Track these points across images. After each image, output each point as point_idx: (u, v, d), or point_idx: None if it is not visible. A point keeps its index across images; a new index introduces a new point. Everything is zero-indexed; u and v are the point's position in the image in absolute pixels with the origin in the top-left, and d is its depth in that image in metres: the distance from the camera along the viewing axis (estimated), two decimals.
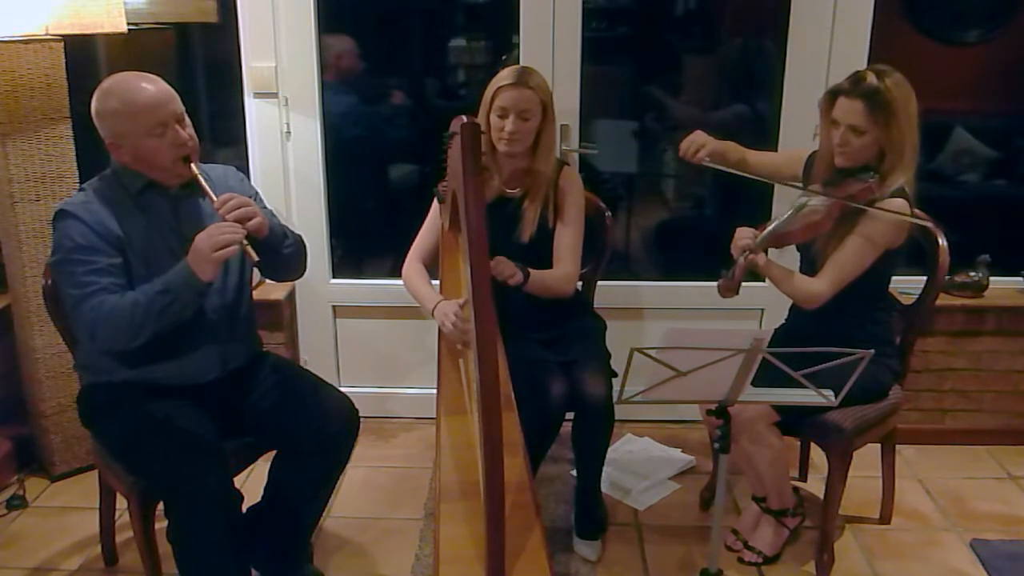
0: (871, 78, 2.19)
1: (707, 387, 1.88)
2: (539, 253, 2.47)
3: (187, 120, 2.06)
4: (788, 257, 2.60)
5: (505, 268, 2.31)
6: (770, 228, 2.28)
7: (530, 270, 2.38)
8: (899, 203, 2.21)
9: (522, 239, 2.47)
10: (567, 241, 2.50)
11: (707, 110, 3.34)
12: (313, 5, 2.99)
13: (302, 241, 2.28)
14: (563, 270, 2.48)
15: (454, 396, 2.04)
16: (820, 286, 2.26)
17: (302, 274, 2.35)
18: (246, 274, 2.24)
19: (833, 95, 2.26)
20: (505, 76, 2.40)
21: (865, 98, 2.18)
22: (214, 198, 1.99)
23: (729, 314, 3.19)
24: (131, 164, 2.06)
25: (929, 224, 2.34)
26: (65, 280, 2.01)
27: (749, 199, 3.12)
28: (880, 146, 2.22)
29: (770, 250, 2.41)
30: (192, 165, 2.04)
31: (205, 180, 2.04)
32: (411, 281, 2.53)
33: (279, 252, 2.16)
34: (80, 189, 2.11)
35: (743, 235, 2.27)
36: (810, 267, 2.34)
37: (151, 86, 2.01)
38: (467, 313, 2.21)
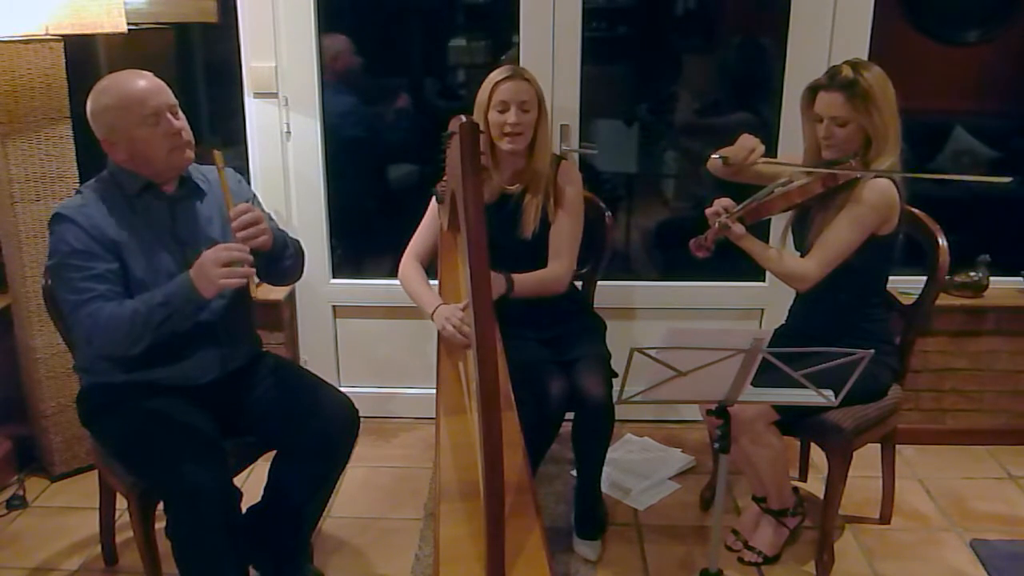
0: (847, 70, 2.23)
1: (707, 387, 1.87)
2: (541, 249, 2.48)
3: (180, 113, 2.07)
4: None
5: None
6: (747, 201, 2.31)
7: (514, 277, 2.38)
8: (883, 183, 2.23)
9: (524, 235, 2.47)
10: (564, 234, 2.50)
11: (706, 111, 3.33)
12: (313, 5, 2.99)
13: (301, 249, 2.28)
14: (554, 269, 2.49)
15: (454, 396, 2.04)
16: (808, 265, 2.27)
17: (298, 279, 2.36)
18: None
19: (812, 91, 2.30)
20: (499, 72, 2.43)
21: (843, 89, 2.22)
22: (231, 203, 1.99)
23: (729, 314, 3.20)
24: (127, 163, 2.05)
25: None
26: (61, 285, 2.00)
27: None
28: (865, 133, 2.25)
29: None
30: (217, 153, 2.02)
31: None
32: (409, 281, 2.53)
33: (279, 263, 2.17)
34: (77, 192, 2.11)
35: (719, 203, 2.29)
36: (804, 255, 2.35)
37: (142, 80, 2.03)
38: (469, 317, 2.20)
